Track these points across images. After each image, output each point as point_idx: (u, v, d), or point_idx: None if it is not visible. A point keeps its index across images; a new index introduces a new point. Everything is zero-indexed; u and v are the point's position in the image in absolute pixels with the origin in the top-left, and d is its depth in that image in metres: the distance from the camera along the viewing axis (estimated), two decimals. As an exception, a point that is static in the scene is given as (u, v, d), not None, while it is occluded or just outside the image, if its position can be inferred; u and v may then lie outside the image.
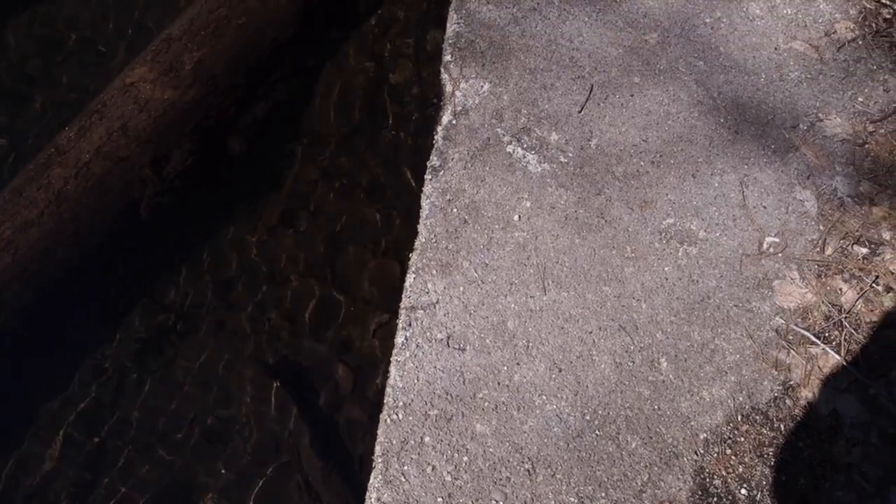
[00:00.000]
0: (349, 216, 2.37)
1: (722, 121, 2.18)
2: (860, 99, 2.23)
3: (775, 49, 2.31)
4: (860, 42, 2.34)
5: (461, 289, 1.93)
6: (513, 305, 1.91)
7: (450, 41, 2.33)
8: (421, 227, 2.02)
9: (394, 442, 1.75)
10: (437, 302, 1.91)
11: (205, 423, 2.12)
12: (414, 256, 1.98)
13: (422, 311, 1.90)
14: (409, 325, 1.88)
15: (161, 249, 2.31)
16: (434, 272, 1.95)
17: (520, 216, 2.03)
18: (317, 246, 2.33)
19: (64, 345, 2.18)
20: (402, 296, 1.94)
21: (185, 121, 2.27)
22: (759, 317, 1.91)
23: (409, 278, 1.95)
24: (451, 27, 2.36)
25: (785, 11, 2.38)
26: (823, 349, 1.87)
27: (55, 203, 2.08)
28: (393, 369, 1.84)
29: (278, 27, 2.48)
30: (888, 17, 2.42)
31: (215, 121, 2.34)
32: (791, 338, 1.89)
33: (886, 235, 2.02)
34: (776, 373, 1.85)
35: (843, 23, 2.38)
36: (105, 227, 2.17)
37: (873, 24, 2.38)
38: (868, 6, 2.42)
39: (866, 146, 2.15)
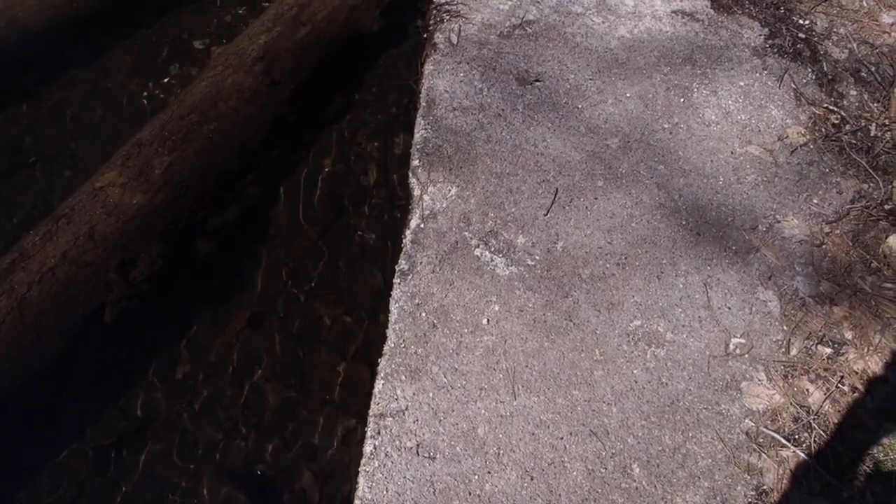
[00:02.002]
0: (318, 319, 2.35)
1: (684, 223, 2.24)
2: (815, 201, 2.31)
3: (732, 153, 2.40)
4: (812, 146, 2.45)
5: (431, 394, 1.91)
6: (483, 411, 1.89)
7: (418, 146, 2.39)
8: (390, 332, 2.02)
9: (362, 559, 1.69)
10: (407, 408, 1.88)
11: (164, 537, 2.03)
12: (383, 361, 1.97)
13: (391, 419, 1.87)
14: (378, 433, 1.85)
15: (125, 354, 2.26)
16: (403, 378, 1.93)
17: (488, 320, 2.03)
18: (285, 349, 2.30)
19: (21, 453, 2.10)
20: (371, 402, 1.91)
21: (154, 224, 2.27)
22: (729, 419, 1.91)
23: (378, 384, 1.93)
24: (419, 132, 2.42)
25: (739, 117, 2.49)
26: (794, 452, 1.86)
27: (17, 309, 2.04)
28: (361, 480, 1.80)
29: (249, 132, 2.52)
30: (836, 122, 2.53)
31: (184, 224, 2.34)
32: (762, 440, 1.88)
33: (848, 335, 2.05)
34: (749, 477, 1.83)
35: (794, 128, 2.49)
36: (68, 333, 2.12)
37: (823, 129, 2.50)
38: (817, 112, 2.54)
39: (824, 247, 2.22)
